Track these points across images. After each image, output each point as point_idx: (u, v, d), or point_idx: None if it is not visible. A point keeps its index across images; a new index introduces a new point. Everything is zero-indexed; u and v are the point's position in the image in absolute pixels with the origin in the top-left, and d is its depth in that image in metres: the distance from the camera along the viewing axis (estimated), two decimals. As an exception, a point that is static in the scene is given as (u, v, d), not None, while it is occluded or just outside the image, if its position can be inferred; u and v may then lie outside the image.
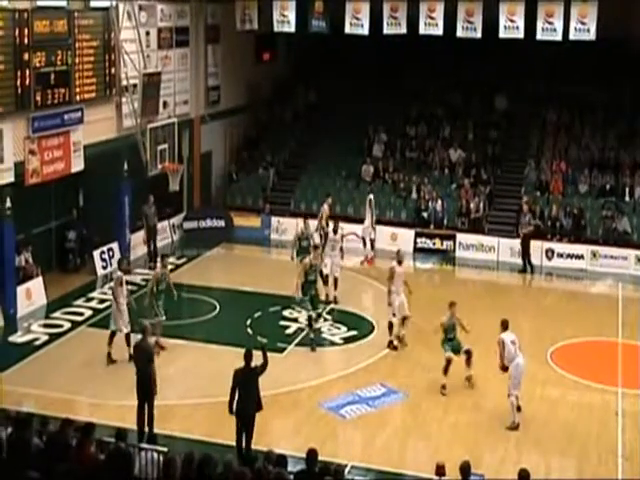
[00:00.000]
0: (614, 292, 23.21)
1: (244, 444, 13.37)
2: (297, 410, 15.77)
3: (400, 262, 18.55)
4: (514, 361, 15.17)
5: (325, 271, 20.77)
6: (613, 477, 13.72)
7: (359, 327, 19.59)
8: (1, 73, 18.26)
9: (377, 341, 18.94)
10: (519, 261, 24.82)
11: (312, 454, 10.18)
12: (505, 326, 15.49)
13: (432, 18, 23.87)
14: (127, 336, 17.09)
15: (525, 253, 24.34)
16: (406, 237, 26.25)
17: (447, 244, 25.95)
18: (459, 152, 28.80)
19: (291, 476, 9.97)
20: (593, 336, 19.55)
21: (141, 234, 24.58)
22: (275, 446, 11.88)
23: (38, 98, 19.31)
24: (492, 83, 30.42)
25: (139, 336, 14.89)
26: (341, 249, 21.47)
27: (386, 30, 24.41)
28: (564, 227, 25.72)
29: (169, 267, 19.32)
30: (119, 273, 17.65)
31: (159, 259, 19.52)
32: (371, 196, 25.17)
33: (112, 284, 17.91)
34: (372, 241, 24.91)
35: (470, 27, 23.83)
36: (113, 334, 17.21)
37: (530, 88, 30.50)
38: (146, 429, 14.00)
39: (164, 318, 17.74)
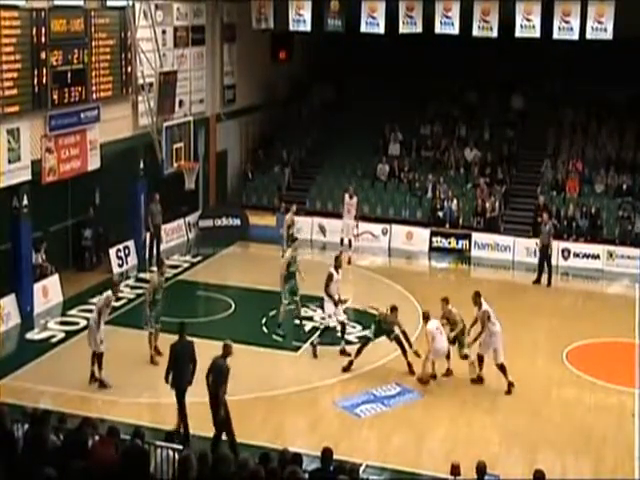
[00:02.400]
0: (630, 292, 23.08)
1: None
2: (312, 409, 15.78)
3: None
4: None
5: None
6: (630, 479, 13.65)
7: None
8: (18, 72, 18.33)
9: (392, 340, 18.91)
10: (535, 261, 24.71)
11: (327, 453, 10.19)
12: (427, 317, 16.73)
13: (448, 17, 23.83)
14: (100, 356, 16.32)
15: (548, 265, 23.29)
16: (421, 236, 26.21)
17: (462, 243, 25.88)
18: (475, 151, 28.74)
19: (306, 475, 9.98)
20: (609, 336, 19.44)
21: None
22: (290, 445, 11.88)
23: (55, 97, 19.40)
24: (508, 82, 30.34)
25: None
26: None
27: (402, 29, 24.38)
28: (580, 227, 25.61)
29: (166, 274, 18.85)
30: (110, 294, 16.81)
31: (156, 267, 18.76)
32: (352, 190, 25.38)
33: (98, 304, 16.72)
34: (350, 240, 24.92)
35: (486, 26, 23.75)
36: (101, 355, 16.36)
37: (546, 87, 30.39)
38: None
39: (153, 330, 17.34)
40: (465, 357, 16.79)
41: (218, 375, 13.51)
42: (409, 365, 17.12)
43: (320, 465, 10.26)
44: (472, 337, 16.74)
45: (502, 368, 16.42)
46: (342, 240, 24.87)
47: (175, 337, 14.59)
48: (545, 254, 23.33)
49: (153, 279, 18.05)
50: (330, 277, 17.95)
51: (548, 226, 23.55)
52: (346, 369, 17.14)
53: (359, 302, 20.87)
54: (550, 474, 10.88)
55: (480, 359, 16.67)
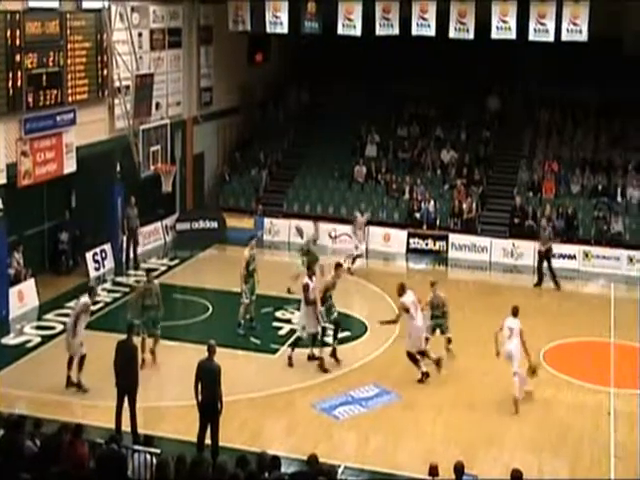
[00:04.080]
0: (606, 292, 23.27)
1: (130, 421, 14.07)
2: (290, 411, 15.77)
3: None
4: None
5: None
6: (606, 477, 13.74)
7: (352, 328, 19.57)
8: (-7, 74, 18.24)
9: (370, 342, 18.94)
10: (511, 261, 24.91)
11: (312, 459, 10.21)
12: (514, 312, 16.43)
13: (424, 19, 23.92)
14: (82, 358, 16.24)
15: (549, 267, 23.27)
16: (399, 238, 26.27)
17: (440, 245, 25.97)
18: (451, 153, 28.85)
19: (285, 477, 9.99)
20: (586, 336, 19.59)
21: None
22: (268, 447, 11.88)
23: (30, 99, 19.29)
24: (484, 84, 30.47)
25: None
26: None
27: (378, 31, 24.44)
28: (556, 227, 25.76)
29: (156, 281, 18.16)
30: (87, 300, 16.48)
31: (145, 274, 18.36)
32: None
33: (76, 310, 16.33)
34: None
35: (462, 28, 23.89)
36: (82, 357, 16.28)
37: (522, 89, 30.56)
38: (207, 442, 13.50)
39: (146, 336, 17.18)
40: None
41: (210, 377, 13.39)
42: (334, 351, 17.52)
43: (303, 469, 10.29)
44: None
45: (412, 357, 16.76)
46: (356, 257, 24.23)
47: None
48: (544, 258, 23.29)
49: (139, 285, 17.99)
50: (304, 287, 17.50)
51: (547, 230, 23.61)
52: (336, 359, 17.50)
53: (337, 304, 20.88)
54: (527, 473, 10.93)
55: (421, 354, 16.88)
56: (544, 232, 23.64)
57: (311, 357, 17.65)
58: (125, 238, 24.07)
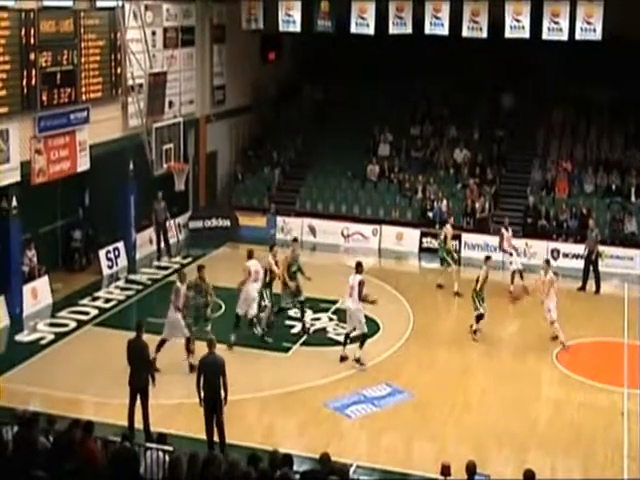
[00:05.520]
0: (620, 292, 23.17)
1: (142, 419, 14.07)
2: (302, 410, 15.77)
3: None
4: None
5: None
6: (619, 478, 13.70)
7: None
8: (7, 73, 18.28)
9: (382, 341, 18.93)
10: (524, 261, 24.77)
11: (325, 457, 10.23)
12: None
13: (438, 18, 23.88)
14: (188, 340, 16.89)
15: (594, 271, 23.00)
16: (412, 237, 26.24)
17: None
18: (465, 152, 28.79)
19: (297, 476, 9.99)
20: (599, 336, 19.53)
21: (147, 233, 24.74)
22: (280, 446, 11.88)
23: (44, 98, 19.36)
24: (498, 82, 30.38)
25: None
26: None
27: (392, 30, 24.41)
28: (570, 227, 25.68)
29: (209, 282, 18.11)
30: (180, 285, 17.16)
31: (197, 270, 18.43)
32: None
33: (179, 298, 17.01)
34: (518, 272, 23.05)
35: (476, 27, 23.83)
36: (164, 342, 16.80)
37: (536, 87, 30.46)
38: (215, 438, 13.61)
39: (188, 333, 17.20)
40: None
41: (213, 371, 13.41)
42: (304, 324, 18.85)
43: (315, 468, 10.29)
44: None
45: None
46: (514, 275, 23.19)
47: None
48: (591, 260, 23.07)
49: (178, 286, 17.73)
50: (362, 283, 17.42)
51: (594, 232, 23.40)
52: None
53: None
54: (540, 474, 10.90)
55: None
56: (591, 233, 23.38)
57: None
58: (155, 232, 24.56)
